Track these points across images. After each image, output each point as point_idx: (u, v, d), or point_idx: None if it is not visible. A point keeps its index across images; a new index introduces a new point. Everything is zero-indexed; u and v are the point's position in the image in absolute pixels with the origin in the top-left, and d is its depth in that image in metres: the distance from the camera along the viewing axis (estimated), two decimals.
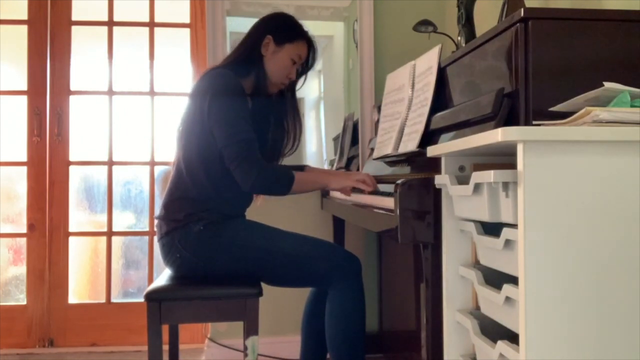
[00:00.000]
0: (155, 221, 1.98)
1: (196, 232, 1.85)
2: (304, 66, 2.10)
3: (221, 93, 1.85)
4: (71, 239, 3.00)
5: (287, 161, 2.16)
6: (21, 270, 2.98)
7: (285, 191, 1.87)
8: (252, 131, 1.86)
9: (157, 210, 1.99)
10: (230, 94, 1.86)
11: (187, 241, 1.85)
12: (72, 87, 3.02)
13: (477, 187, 1.14)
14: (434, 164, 1.47)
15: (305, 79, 2.15)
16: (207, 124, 1.85)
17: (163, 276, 1.93)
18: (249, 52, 2.01)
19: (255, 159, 1.83)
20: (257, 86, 1.99)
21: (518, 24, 1.35)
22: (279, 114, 2.09)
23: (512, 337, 1.06)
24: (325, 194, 2.68)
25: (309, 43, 2.06)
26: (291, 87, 2.11)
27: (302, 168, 2.13)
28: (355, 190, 1.93)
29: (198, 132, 1.88)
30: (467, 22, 2.13)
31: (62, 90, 3.00)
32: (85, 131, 3.06)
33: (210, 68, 2.02)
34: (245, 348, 1.76)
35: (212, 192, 1.89)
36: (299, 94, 2.16)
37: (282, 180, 1.86)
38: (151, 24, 3.05)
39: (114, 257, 3.04)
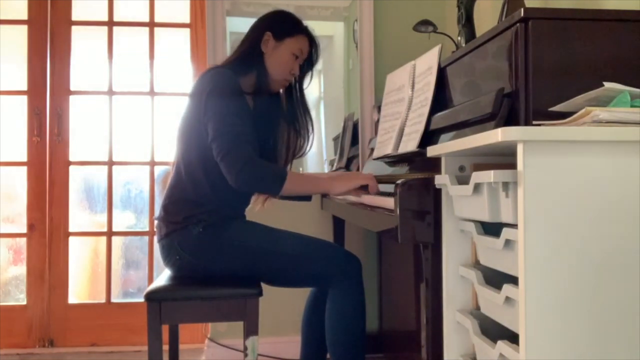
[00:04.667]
0: (155, 222, 1.97)
1: (195, 235, 1.84)
2: (308, 63, 2.05)
3: (217, 92, 1.83)
4: (71, 239, 3.00)
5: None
6: (21, 270, 2.98)
7: (276, 189, 1.80)
8: (245, 127, 1.82)
9: (157, 211, 1.98)
10: (225, 93, 1.84)
11: (187, 243, 1.85)
12: (72, 87, 3.02)
13: (477, 187, 1.14)
14: (434, 164, 1.47)
15: (312, 77, 2.10)
16: (203, 123, 1.84)
17: (163, 276, 1.93)
18: (249, 50, 1.98)
19: (242, 153, 1.77)
20: (258, 84, 1.96)
21: (518, 24, 1.35)
22: (290, 115, 2.06)
23: (512, 337, 1.06)
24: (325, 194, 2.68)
25: (310, 38, 2.02)
26: (299, 87, 2.08)
27: None
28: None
29: (196, 132, 1.87)
30: (467, 22, 2.13)
31: (62, 90, 3.00)
32: (85, 131, 3.06)
33: (209, 68, 2.01)
34: (245, 348, 1.76)
35: (211, 192, 1.87)
36: None
37: (270, 177, 1.79)
38: (151, 24, 3.05)
39: (114, 257, 3.04)
